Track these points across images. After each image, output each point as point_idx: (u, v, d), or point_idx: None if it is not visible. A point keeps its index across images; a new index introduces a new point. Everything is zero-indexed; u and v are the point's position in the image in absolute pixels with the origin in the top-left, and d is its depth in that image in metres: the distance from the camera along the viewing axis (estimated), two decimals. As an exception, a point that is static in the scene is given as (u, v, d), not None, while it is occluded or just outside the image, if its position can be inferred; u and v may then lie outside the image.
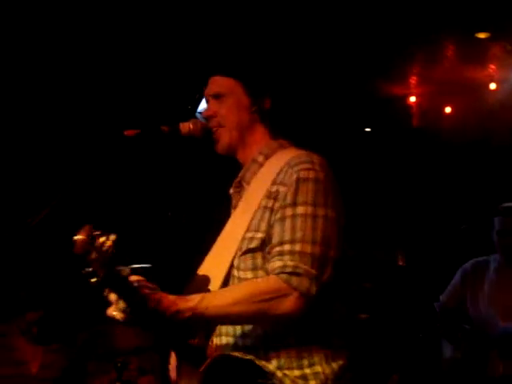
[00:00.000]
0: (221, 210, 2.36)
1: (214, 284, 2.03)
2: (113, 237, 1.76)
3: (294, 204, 1.96)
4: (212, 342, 2.05)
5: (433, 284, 4.51)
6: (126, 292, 1.82)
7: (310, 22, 4.75)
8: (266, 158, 2.16)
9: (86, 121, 4.82)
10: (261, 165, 2.16)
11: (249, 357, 1.93)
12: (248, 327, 1.99)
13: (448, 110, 6.43)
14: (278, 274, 1.90)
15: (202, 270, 2.12)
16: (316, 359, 1.97)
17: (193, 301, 1.88)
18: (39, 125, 4.89)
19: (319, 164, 2.02)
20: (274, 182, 2.04)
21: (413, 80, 6.08)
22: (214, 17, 4.50)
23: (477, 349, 3.82)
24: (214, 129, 2.17)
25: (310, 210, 1.95)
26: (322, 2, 4.54)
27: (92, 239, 1.73)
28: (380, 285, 5.55)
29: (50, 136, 4.89)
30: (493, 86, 5.91)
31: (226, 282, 2.04)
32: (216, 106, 2.17)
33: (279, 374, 1.92)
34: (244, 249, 2.01)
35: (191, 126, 2.17)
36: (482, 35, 5.12)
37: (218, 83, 2.19)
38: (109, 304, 1.86)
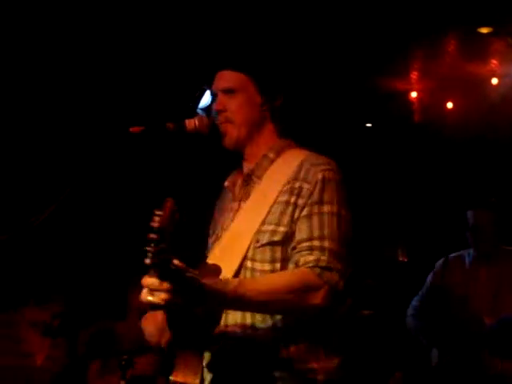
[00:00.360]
0: (214, 201, 2.38)
1: (226, 274, 2.02)
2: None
3: (321, 202, 2.04)
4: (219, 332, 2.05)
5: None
6: (176, 272, 1.74)
7: (311, 17, 4.73)
8: (277, 154, 2.18)
9: (91, 118, 4.81)
10: (272, 161, 2.18)
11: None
12: (259, 318, 2.02)
13: (450, 105, 6.41)
14: (311, 267, 1.96)
15: (212, 260, 2.11)
16: (321, 354, 2.03)
17: (232, 283, 1.89)
18: (44, 123, 4.87)
19: (336, 166, 2.12)
20: (295, 179, 2.08)
21: (414, 75, 6.05)
22: (224, 11, 4.48)
23: (465, 351, 3.79)
24: (222, 124, 2.16)
25: (335, 209, 2.04)
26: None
27: (173, 214, 1.70)
28: (382, 281, 5.55)
29: (55, 133, 4.88)
30: (495, 81, 5.88)
31: (237, 273, 2.05)
32: (226, 100, 2.17)
33: (294, 363, 1.98)
34: (264, 241, 2.05)
35: (197, 123, 2.16)
36: (483, 30, 5.09)
37: (228, 78, 2.18)
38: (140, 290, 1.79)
